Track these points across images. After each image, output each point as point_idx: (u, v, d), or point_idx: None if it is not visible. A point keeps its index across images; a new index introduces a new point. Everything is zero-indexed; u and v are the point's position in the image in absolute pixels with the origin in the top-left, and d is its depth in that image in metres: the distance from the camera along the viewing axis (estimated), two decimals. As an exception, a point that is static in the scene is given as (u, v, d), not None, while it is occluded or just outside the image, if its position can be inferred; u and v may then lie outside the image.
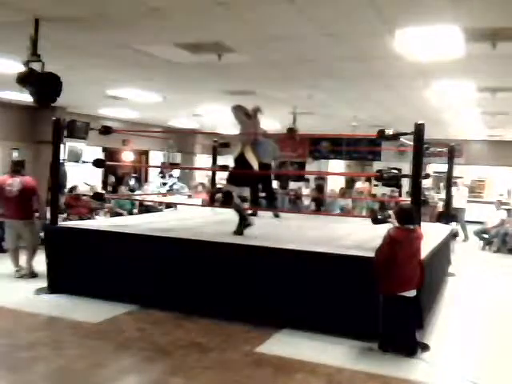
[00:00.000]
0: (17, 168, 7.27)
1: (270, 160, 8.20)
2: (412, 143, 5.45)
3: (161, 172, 15.46)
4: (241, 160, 6.11)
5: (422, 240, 4.84)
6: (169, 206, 11.78)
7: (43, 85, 5.17)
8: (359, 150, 16.84)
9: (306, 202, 14.25)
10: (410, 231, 4.70)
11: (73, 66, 7.12)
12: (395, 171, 5.71)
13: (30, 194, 7.02)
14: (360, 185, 15.19)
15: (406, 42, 5.27)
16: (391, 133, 5.57)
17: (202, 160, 17.16)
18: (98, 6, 4.63)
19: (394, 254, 4.56)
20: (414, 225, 4.78)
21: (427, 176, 7.91)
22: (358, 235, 6.55)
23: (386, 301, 4.61)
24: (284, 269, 5.25)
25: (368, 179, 15.50)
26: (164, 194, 13.79)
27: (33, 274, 7.02)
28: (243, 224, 6.01)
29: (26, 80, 5.15)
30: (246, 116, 6.27)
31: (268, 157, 8.04)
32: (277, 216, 8.27)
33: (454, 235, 10.02)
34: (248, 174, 6.17)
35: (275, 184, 15.13)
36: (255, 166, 6.16)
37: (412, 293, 4.62)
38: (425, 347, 4.73)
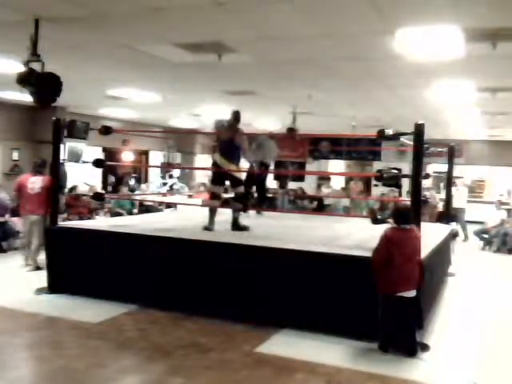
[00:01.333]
0: (39, 168, 7.58)
1: (268, 160, 8.21)
2: (412, 143, 5.45)
3: (165, 172, 15.48)
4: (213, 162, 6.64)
5: (420, 240, 4.84)
6: (169, 205, 11.79)
7: (43, 85, 5.17)
8: (359, 149, 16.83)
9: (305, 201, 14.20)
10: (405, 231, 4.71)
11: (73, 65, 7.12)
12: (395, 171, 5.71)
13: (47, 193, 7.26)
14: (352, 185, 14.93)
15: (406, 42, 5.27)
16: (391, 133, 5.57)
17: (202, 160, 17.17)
18: (98, 6, 4.63)
19: (391, 254, 4.57)
20: (411, 225, 4.78)
21: (427, 176, 7.91)
22: (358, 235, 6.55)
23: (385, 301, 4.61)
24: (284, 269, 5.25)
25: (361, 178, 15.12)
26: (164, 194, 13.80)
27: (38, 267, 7.26)
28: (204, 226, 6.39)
29: (26, 80, 5.15)
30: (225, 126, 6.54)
31: (266, 156, 8.07)
32: (259, 213, 8.52)
33: (454, 235, 10.00)
34: (220, 173, 6.52)
35: (275, 184, 15.15)
36: (223, 165, 6.40)
37: (411, 293, 4.61)
38: (425, 347, 4.73)
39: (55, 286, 6.22)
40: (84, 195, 10.48)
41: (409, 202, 5.33)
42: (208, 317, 5.34)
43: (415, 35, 5.02)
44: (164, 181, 15.59)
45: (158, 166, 16.88)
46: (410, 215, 4.82)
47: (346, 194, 14.07)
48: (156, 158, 16.96)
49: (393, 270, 4.55)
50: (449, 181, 9.32)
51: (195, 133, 16.33)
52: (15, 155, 11.99)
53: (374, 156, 16.96)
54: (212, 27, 5.15)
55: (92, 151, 12.85)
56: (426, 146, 5.82)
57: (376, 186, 15.01)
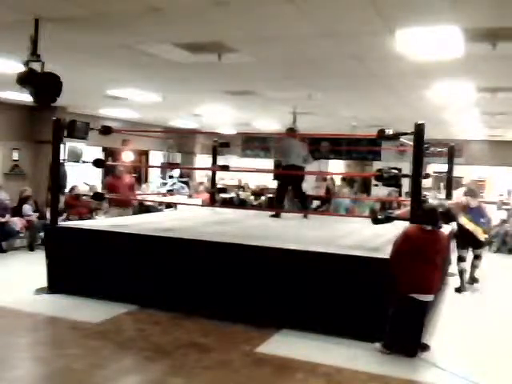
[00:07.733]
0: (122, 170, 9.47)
1: (299, 161, 8.12)
2: (412, 143, 5.45)
3: (164, 172, 15.46)
4: None
5: (442, 243, 4.72)
6: (169, 205, 11.78)
7: (43, 85, 5.17)
8: (359, 149, 16.82)
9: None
10: (427, 232, 4.61)
11: (73, 66, 7.12)
12: (395, 171, 5.71)
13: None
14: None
15: (406, 42, 5.26)
16: (391, 133, 5.57)
17: (203, 160, 17.15)
18: (98, 6, 4.63)
19: (408, 253, 4.50)
20: (434, 226, 4.67)
21: (427, 176, 7.90)
22: (358, 235, 6.55)
23: (401, 301, 4.54)
24: (284, 269, 5.25)
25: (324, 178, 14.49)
26: (164, 194, 13.79)
27: None
28: None
29: (26, 80, 5.14)
30: None
31: (295, 158, 8.03)
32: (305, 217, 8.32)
33: (454, 235, 9.98)
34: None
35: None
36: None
37: (429, 297, 4.56)
38: (425, 347, 4.73)
39: (55, 286, 6.23)
40: (84, 195, 10.47)
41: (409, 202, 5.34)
42: (208, 317, 5.34)
43: (415, 35, 5.02)
44: (164, 181, 15.58)
45: (158, 166, 16.87)
46: (435, 216, 4.67)
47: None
48: (156, 158, 16.95)
49: (410, 270, 4.47)
50: (449, 181, 9.31)
51: (195, 133, 16.31)
52: (15, 155, 11.97)
53: (374, 156, 16.95)
54: (212, 27, 5.14)
55: (92, 151, 12.84)
56: (425, 146, 5.82)
57: (376, 185, 14.99)
